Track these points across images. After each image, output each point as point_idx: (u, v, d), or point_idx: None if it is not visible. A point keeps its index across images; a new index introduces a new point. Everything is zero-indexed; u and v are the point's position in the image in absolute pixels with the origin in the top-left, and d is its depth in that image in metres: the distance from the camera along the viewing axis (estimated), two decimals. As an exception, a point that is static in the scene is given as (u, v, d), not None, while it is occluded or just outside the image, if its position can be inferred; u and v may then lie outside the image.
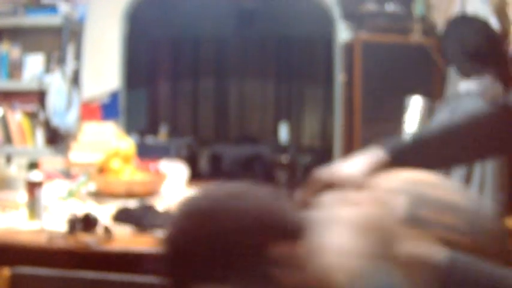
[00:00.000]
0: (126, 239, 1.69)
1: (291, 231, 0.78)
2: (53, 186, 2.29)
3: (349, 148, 3.82)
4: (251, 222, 0.80)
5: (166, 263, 0.85)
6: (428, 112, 2.96)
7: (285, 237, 0.77)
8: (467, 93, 2.50)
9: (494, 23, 2.76)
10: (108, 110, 3.95)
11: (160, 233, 0.76)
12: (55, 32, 3.67)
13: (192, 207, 0.85)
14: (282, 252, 0.75)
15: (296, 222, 0.80)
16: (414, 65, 3.57)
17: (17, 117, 3.65)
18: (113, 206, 1.98)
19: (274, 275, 0.74)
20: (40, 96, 3.64)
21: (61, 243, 1.60)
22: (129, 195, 2.18)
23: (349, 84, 3.84)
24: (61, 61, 3.68)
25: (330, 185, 0.91)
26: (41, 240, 1.63)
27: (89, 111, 3.86)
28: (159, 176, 2.41)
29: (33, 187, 1.83)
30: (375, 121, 3.61)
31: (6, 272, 1.40)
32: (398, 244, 0.67)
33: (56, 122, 3.60)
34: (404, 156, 0.95)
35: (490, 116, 0.98)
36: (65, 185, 2.35)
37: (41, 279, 1.39)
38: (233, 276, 0.78)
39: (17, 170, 2.32)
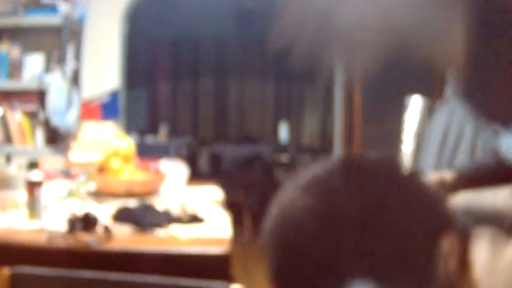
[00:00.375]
0: (126, 238, 1.69)
1: (459, 227, 0.70)
2: (52, 186, 2.29)
3: (349, 148, 3.82)
4: (427, 206, 0.68)
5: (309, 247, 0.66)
6: (428, 112, 2.96)
7: (453, 232, 0.68)
8: (467, 93, 2.50)
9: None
10: (108, 109, 3.95)
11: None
12: (55, 31, 3.67)
13: (355, 180, 0.68)
14: (453, 247, 0.66)
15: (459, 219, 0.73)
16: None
17: (16, 117, 3.65)
18: (112, 206, 1.98)
19: (440, 270, 0.66)
20: (40, 96, 3.63)
21: (61, 243, 1.60)
22: (129, 194, 2.18)
23: (349, 85, 3.84)
24: (61, 61, 3.68)
25: None
26: (40, 239, 1.63)
27: (88, 111, 3.86)
28: (159, 176, 2.41)
29: (33, 187, 1.83)
30: (375, 121, 3.61)
31: (6, 271, 1.40)
32: None
33: (56, 121, 3.60)
34: (469, 178, 1.05)
35: None
36: (65, 184, 2.35)
37: (40, 278, 1.39)
38: (397, 270, 0.65)
39: (17, 170, 2.32)
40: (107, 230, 1.66)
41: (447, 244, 0.66)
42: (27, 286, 1.39)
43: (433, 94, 3.37)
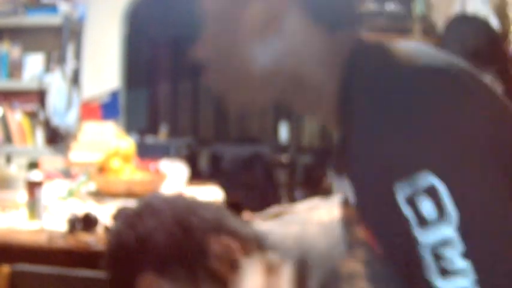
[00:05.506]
0: (126, 238, 1.68)
1: (235, 230, 0.87)
2: (53, 186, 2.29)
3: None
4: (193, 220, 0.86)
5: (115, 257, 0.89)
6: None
7: (227, 233, 0.86)
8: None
9: (494, 23, 2.76)
10: (108, 109, 3.95)
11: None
12: (55, 31, 3.67)
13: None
14: (222, 247, 0.83)
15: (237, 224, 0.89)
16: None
17: (17, 117, 3.65)
18: (113, 206, 1.98)
19: (214, 269, 0.82)
20: (40, 95, 3.64)
21: (61, 243, 1.60)
22: (129, 194, 2.18)
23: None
24: (61, 61, 3.68)
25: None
26: (41, 240, 1.63)
27: (88, 111, 3.86)
28: (159, 176, 2.41)
29: (33, 187, 1.83)
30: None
31: (6, 269, 1.40)
32: None
33: (56, 121, 3.60)
34: None
35: None
36: (65, 184, 2.35)
37: (40, 276, 1.39)
38: (177, 269, 0.84)
39: (17, 170, 2.32)
40: (107, 230, 1.66)
41: (218, 246, 0.83)
42: (27, 284, 1.40)
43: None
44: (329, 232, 0.84)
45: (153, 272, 0.84)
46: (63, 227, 1.70)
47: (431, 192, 0.62)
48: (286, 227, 0.89)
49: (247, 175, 6.13)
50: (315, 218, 0.88)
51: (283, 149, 6.54)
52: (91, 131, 2.99)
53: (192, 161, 5.47)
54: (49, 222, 1.81)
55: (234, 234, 0.86)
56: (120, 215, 0.94)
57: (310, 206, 0.94)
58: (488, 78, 2.45)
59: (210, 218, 0.87)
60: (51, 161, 3.09)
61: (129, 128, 4.36)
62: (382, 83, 0.71)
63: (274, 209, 1.08)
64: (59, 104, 3.61)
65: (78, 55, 3.88)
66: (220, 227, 0.86)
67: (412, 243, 0.63)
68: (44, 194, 1.88)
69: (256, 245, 0.86)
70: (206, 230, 0.85)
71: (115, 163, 2.37)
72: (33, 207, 1.82)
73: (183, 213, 0.87)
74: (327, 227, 0.85)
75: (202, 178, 3.32)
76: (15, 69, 3.70)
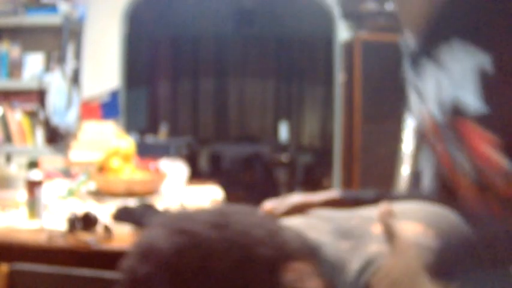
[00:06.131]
0: (125, 237, 1.69)
1: (300, 251, 0.75)
2: (52, 185, 2.30)
3: (349, 148, 3.82)
4: (260, 247, 0.71)
5: None
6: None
7: (295, 258, 0.73)
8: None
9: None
10: (108, 109, 3.95)
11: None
12: (55, 31, 3.67)
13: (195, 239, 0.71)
14: (296, 272, 0.71)
15: (302, 242, 0.77)
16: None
17: (17, 117, 3.65)
18: (112, 205, 1.98)
19: None
20: (40, 95, 3.64)
21: (61, 242, 1.60)
22: (129, 194, 2.18)
23: (349, 84, 3.84)
24: (61, 60, 3.68)
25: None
26: (41, 239, 1.63)
27: (88, 110, 3.86)
28: (159, 175, 2.41)
29: (33, 186, 1.83)
30: (375, 121, 3.61)
31: (5, 268, 1.40)
32: None
33: (56, 121, 3.60)
34: (356, 201, 1.08)
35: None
36: (65, 184, 2.35)
37: (39, 275, 1.39)
38: None
39: (17, 169, 2.32)
40: (106, 229, 1.67)
41: (291, 274, 0.70)
42: (26, 283, 1.40)
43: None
44: (405, 252, 0.73)
45: None
46: (63, 226, 1.70)
47: None
48: (337, 239, 0.80)
49: (247, 175, 6.13)
50: (373, 231, 0.77)
51: (283, 148, 6.55)
52: (91, 130, 2.99)
53: (192, 160, 5.47)
54: (49, 221, 1.81)
55: (300, 255, 0.73)
56: (141, 249, 0.69)
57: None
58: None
59: (270, 239, 0.71)
60: (51, 160, 3.09)
61: (129, 128, 4.36)
62: None
63: (293, 199, 1.07)
64: (59, 104, 3.61)
65: (78, 55, 3.88)
66: (285, 249, 0.72)
67: None
68: (44, 193, 1.88)
69: (313, 260, 0.75)
70: (274, 258, 0.70)
71: (115, 162, 2.37)
72: (33, 206, 1.83)
73: (242, 240, 0.70)
74: (396, 245, 0.74)
75: (202, 177, 3.32)
76: (15, 68, 3.70)
